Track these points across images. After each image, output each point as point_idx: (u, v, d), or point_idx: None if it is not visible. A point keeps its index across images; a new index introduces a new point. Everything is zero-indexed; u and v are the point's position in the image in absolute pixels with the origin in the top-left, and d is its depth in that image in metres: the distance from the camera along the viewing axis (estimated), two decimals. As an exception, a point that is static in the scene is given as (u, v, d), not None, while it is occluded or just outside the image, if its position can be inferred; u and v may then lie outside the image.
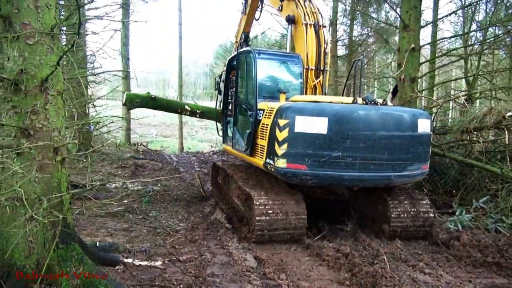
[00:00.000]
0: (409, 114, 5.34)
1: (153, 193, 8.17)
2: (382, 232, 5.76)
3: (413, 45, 8.62)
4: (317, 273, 4.48)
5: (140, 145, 16.54)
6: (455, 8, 16.43)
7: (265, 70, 6.38)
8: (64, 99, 3.65)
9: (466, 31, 14.38)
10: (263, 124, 5.54)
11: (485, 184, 6.76)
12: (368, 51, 18.14)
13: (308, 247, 5.25)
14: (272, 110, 5.30)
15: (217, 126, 8.55)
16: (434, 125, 8.20)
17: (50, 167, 3.42)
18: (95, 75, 10.10)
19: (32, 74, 3.25)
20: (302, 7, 6.73)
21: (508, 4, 12.68)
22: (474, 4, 13.47)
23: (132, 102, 9.02)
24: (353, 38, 16.82)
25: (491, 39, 12.89)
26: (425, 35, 30.73)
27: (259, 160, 5.63)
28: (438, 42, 14.35)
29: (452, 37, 15.80)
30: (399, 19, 9.08)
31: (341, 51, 17.49)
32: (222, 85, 7.71)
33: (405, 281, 4.16)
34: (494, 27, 13.61)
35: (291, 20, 6.85)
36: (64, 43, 6.83)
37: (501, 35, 12.44)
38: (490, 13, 13.56)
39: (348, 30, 16.88)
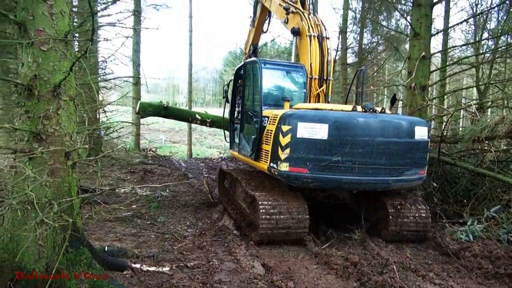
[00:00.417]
0: (407, 122, 5.57)
1: (162, 199, 8.22)
2: (380, 235, 5.92)
3: (423, 53, 8.61)
4: (325, 282, 4.44)
5: (149, 151, 16.67)
6: (467, 16, 16.34)
7: (270, 79, 6.70)
8: (76, 104, 3.69)
9: (477, 39, 14.24)
10: (267, 130, 5.79)
11: (497, 194, 6.65)
12: (378, 59, 18.13)
13: (316, 255, 5.23)
14: (276, 117, 5.54)
15: (224, 133, 8.79)
16: (445, 133, 8.15)
17: (61, 171, 3.45)
18: (106, 81, 10.21)
19: (45, 80, 3.30)
20: (306, 20, 6.96)
21: (520, 13, 12.55)
22: (486, 12, 13.37)
23: (145, 110, 9.26)
24: (363, 46, 16.83)
25: (503, 47, 12.74)
26: (436, 43, 30.64)
27: (263, 165, 5.87)
28: (449, 50, 14.26)
29: (464, 45, 15.62)
30: (409, 27, 9.07)
31: (351, 58, 17.53)
32: (230, 93, 7.97)
33: (414, 291, 4.12)
34: (506, 36, 13.46)
35: (296, 32, 7.08)
36: (76, 49, 6.93)
37: (513, 44, 12.30)
38: (502, 22, 13.41)
39: (358, 38, 16.89)
